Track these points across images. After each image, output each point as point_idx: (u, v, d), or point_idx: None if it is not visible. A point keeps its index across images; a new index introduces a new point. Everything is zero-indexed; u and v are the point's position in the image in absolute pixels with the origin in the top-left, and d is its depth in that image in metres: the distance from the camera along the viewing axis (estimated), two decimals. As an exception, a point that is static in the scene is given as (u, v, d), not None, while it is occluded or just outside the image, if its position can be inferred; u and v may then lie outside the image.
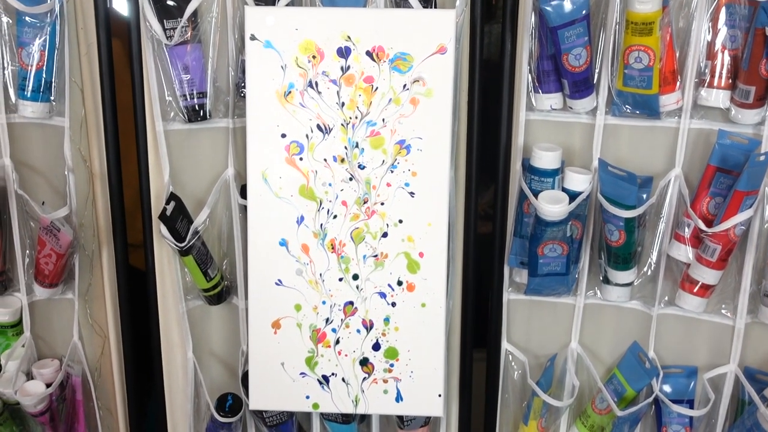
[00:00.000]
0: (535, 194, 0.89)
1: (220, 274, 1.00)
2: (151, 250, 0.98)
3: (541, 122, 0.93)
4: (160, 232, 0.93)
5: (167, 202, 0.94)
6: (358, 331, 0.91)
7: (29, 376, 1.01)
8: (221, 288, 1.00)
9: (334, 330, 0.91)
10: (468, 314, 0.97)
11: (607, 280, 0.95)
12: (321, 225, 0.89)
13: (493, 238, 0.96)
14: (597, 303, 0.98)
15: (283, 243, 0.89)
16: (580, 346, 1.00)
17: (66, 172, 0.95)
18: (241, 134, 0.95)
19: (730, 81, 0.85)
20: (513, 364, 1.01)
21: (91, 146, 0.98)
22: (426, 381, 0.91)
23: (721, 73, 0.85)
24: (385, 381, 0.92)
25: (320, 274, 0.90)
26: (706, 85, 0.86)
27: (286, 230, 0.89)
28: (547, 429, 1.03)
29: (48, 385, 0.99)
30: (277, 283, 0.90)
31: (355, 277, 0.90)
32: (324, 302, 0.90)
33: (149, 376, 1.02)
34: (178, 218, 0.94)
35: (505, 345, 1.01)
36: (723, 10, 0.83)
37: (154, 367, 1.02)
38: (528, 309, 1.00)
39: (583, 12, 0.84)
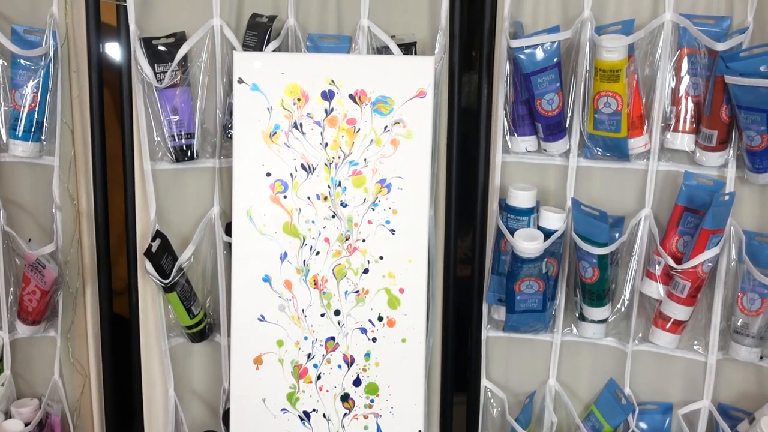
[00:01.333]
0: (512, 232, 0.92)
1: (204, 312, 1.01)
2: (135, 289, 0.99)
3: (516, 164, 0.97)
4: (145, 268, 0.95)
5: (153, 239, 0.95)
6: (339, 366, 0.92)
7: (7, 415, 1.00)
8: (204, 325, 1.01)
9: (315, 365, 0.92)
10: (448, 352, 0.99)
11: (582, 317, 0.98)
12: (304, 261, 0.91)
13: (472, 276, 0.98)
14: (573, 340, 1.01)
15: (267, 279, 0.91)
16: (557, 383, 1.01)
17: (53, 210, 0.97)
18: (227, 174, 0.98)
19: (694, 125, 0.90)
20: (492, 401, 1.02)
21: (79, 185, 1.00)
22: (406, 416, 0.92)
23: (685, 118, 0.90)
24: (366, 417, 0.93)
25: (302, 310, 0.91)
26: (671, 129, 0.91)
27: (269, 266, 0.91)
28: (527, 468, 1.03)
29: (27, 425, 0.98)
30: (259, 319, 0.92)
31: (337, 312, 0.92)
32: (306, 338, 0.92)
33: (130, 415, 1.02)
34: (163, 255, 0.95)
35: (484, 383, 1.02)
36: (685, 60, 0.89)
37: (134, 405, 1.02)
38: (506, 346, 1.02)
39: (555, 60, 0.88)
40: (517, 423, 0.98)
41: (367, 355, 0.92)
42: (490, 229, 0.97)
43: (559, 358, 1.01)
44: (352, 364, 0.92)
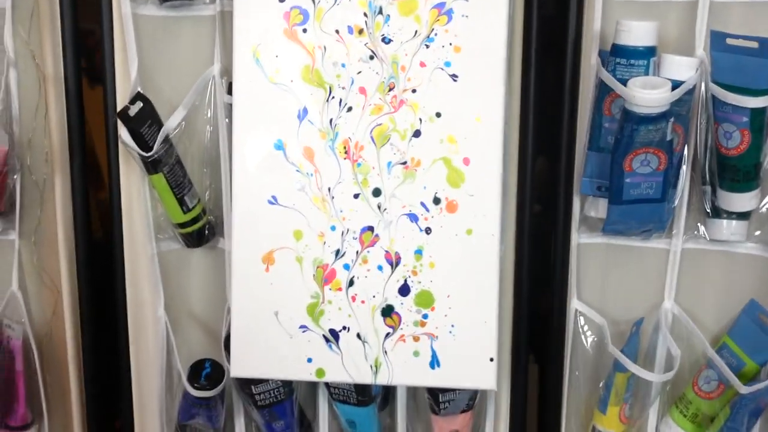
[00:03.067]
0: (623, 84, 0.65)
1: (202, 207, 0.77)
2: (116, 173, 0.75)
3: (623, 2, 0.70)
4: (120, 137, 0.71)
5: (132, 102, 0.71)
6: (380, 268, 0.67)
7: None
8: (202, 224, 0.77)
9: (346, 266, 0.67)
10: (524, 263, 0.73)
11: (716, 212, 0.71)
12: (330, 121, 0.66)
13: (557, 152, 0.71)
14: (699, 248, 0.74)
15: (280, 146, 0.66)
16: (677, 306, 0.74)
17: (5, 65, 0.73)
18: (230, 21, 0.72)
19: None
20: (585, 328, 0.76)
21: (44, 39, 0.77)
22: (472, 339, 0.67)
23: None
24: (416, 339, 0.67)
25: (329, 189, 0.66)
26: None
27: (283, 128, 0.66)
28: (632, 420, 0.76)
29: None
30: (270, 202, 0.67)
31: (377, 192, 0.66)
32: (333, 227, 0.67)
33: (113, 341, 0.79)
34: (145, 122, 0.71)
35: (574, 304, 0.76)
36: None
37: (118, 329, 0.79)
38: (605, 256, 0.75)
39: None
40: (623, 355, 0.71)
41: (419, 253, 0.66)
42: (584, 88, 0.70)
43: (678, 273, 0.74)
44: (397, 264, 0.67)
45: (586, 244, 0.75)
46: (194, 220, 0.76)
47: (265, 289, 0.68)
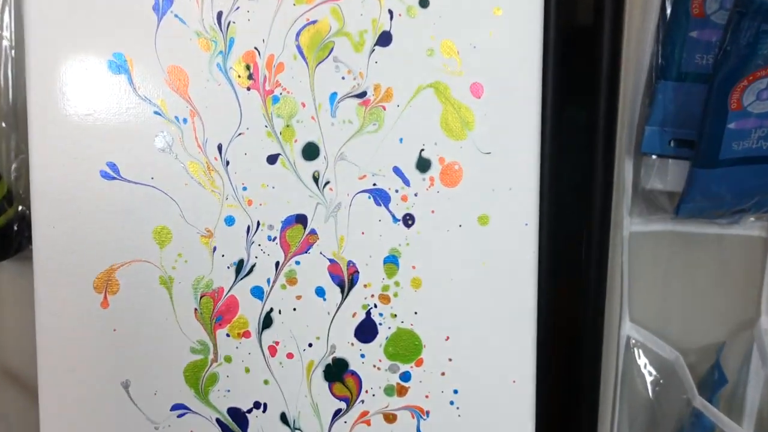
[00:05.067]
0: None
1: (4, 188, 0.44)
2: None
3: None
4: None
5: None
6: (320, 292, 0.36)
7: None
8: (5, 220, 0.44)
9: (256, 292, 0.36)
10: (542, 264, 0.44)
11: None
12: (219, 16, 0.34)
13: (594, 79, 0.43)
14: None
15: (121, 65, 0.35)
16: (780, 326, 0.48)
17: None
18: None
19: None
20: (641, 359, 0.48)
21: None
22: (492, 415, 0.37)
23: None
24: (390, 418, 0.37)
25: (219, 148, 0.35)
26: None
27: (126, 31, 0.35)
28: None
29: None
30: (105, 175, 0.35)
31: (311, 151, 0.36)
32: (230, 220, 0.36)
33: None
34: None
35: (626, 329, 0.48)
36: None
37: None
38: (670, 252, 0.47)
39: None
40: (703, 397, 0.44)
41: (391, 261, 0.37)
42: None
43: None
44: (352, 285, 0.37)
45: (642, 235, 0.47)
46: (-15, 214, 0.43)
47: (103, 340, 0.36)
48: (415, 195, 0.36)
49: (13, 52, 0.45)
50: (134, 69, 0.35)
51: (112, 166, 0.35)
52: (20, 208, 0.47)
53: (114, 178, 0.35)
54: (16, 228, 0.47)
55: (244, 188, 0.36)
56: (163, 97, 0.35)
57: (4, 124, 0.46)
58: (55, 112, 0.35)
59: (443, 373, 0.37)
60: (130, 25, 0.35)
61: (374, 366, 0.37)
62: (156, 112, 0.35)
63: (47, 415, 0.37)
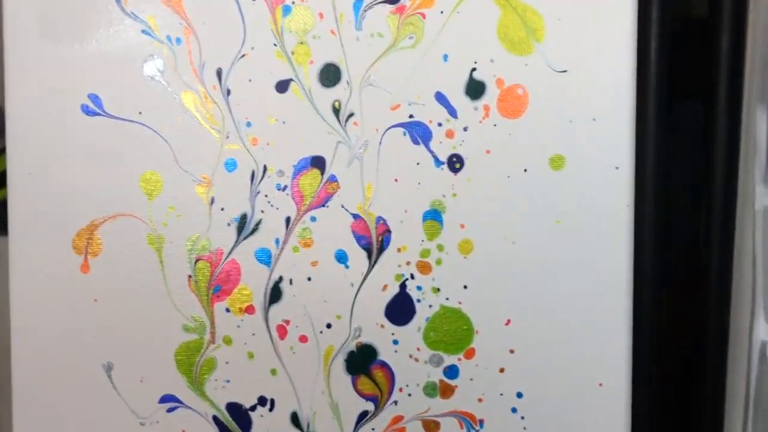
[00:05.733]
0: None
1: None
2: None
3: None
4: None
5: None
6: (341, 257, 0.28)
7: None
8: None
9: (262, 255, 0.29)
10: (643, 246, 0.34)
11: None
12: None
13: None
14: None
15: (102, -27, 0.28)
16: None
17: None
18: None
19: None
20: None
21: None
22: (570, 425, 0.27)
23: None
24: (432, 426, 0.28)
25: (218, 72, 0.28)
26: None
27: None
28: None
29: None
30: (86, 110, 0.30)
31: (331, 74, 0.28)
32: (231, 163, 0.29)
33: None
34: None
35: (760, 331, 0.37)
36: None
37: None
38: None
39: None
40: None
41: (434, 218, 0.28)
42: None
43: None
44: (383, 248, 0.28)
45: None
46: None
47: (82, 312, 0.29)
48: (465, 129, 0.27)
49: None
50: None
51: (95, 98, 0.29)
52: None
53: (97, 114, 0.29)
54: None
55: (249, 124, 0.29)
56: (152, 12, 0.29)
57: None
58: (31, 34, 0.29)
59: (502, 370, 0.28)
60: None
61: (410, 356, 0.28)
62: (144, 31, 0.29)
63: (20, 404, 0.31)
